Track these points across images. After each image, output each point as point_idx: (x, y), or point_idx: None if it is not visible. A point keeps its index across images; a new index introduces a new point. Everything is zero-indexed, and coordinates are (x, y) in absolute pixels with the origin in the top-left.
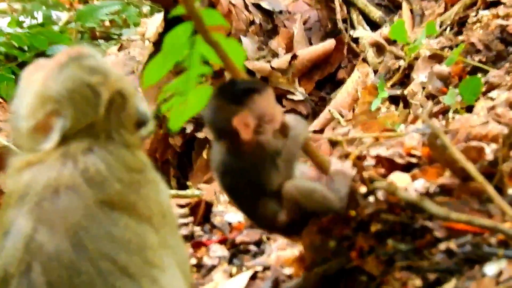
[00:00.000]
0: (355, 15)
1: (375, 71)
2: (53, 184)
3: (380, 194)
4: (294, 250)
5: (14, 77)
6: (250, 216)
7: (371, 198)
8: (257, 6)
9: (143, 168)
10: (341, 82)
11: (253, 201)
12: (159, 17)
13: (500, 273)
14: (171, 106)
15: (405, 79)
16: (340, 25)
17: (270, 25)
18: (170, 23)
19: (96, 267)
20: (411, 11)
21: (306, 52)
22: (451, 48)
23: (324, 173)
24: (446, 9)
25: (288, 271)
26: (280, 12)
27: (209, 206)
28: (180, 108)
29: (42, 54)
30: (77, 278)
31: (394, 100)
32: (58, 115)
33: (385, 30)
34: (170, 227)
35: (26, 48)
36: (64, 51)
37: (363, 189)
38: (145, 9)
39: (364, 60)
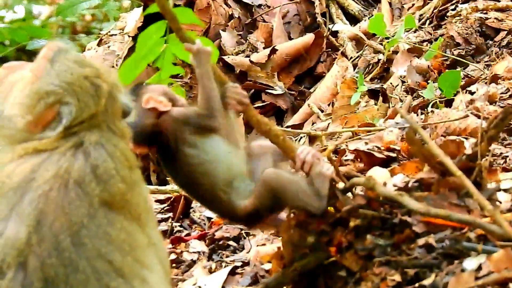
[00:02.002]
0: (334, 9)
1: (354, 65)
2: (63, 176)
3: (359, 189)
4: (273, 245)
5: None
6: (211, 208)
7: (349, 194)
8: (236, 0)
9: (137, 166)
10: (320, 76)
11: (210, 194)
12: (138, 12)
13: (479, 268)
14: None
15: (384, 73)
16: (319, 19)
17: (249, 19)
18: (149, 18)
19: (93, 266)
20: (390, 4)
21: (285, 46)
22: (430, 41)
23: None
24: (425, 3)
25: (267, 266)
26: (259, 6)
27: (188, 201)
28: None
29: (23, 48)
30: (73, 276)
31: (373, 94)
32: (62, 104)
33: (364, 24)
34: (152, 223)
35: (7, 42)
36: (45, 48)
37: (341, 185)
38: (126, 3)
39: (343, 54)
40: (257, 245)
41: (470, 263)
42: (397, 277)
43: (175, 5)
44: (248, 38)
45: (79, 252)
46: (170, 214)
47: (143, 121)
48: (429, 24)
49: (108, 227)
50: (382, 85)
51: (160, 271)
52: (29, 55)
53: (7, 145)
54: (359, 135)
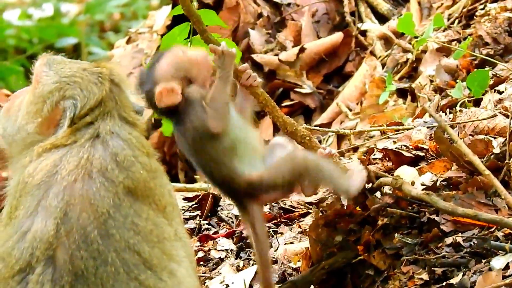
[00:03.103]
0: (363, 8)
1: (383, 65)
2: (85, 166)
3: (387, 188)
4: (301, 244)
5: (23, 69)
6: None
7: (378, 193)
8: None
9: (154, 154)
10: (348, 75)
11: (213, 160)
12: (167, 10)
13: (507, 267)
14: None
15: (413, 72)
16: (348, 18)
17: (278, 17)
18: (178, 16)
19: (122, 258)
20: (419, 3)
21: (314, 45)
22: (459, 41)
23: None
24: (454, 2)
25: (294, 264)
26: (288, 4)
27: (216, 199)
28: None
29: (51, 46)
30: (103, 269)
31: (402, 93)
32: (66, 99)
33: (393, 23)
34: (179, 218)
35: (35, 40)
36: (38, 61)
37: (369, 184)
38: (154, 1)
39: (372, 53)
40: (285, 243)
41: (497, 262)
42: (425, 276)
43: (204, 4)
44: (277, 36)
45: (107, 243)
46: (198, 212)
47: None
48: (458, 23)
49: (135, 217)
50: (410, 85)
51: (187, 265)
52: (58, 53)
53: (23, 151)
54: (387, 134)
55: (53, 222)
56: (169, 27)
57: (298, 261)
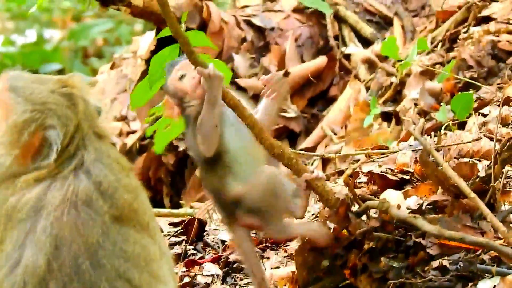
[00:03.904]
0: (346, 32)
1: (367, 88)
2: (71, 199)
3: (373, 212)
4: (287, 269)
5: None
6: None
7: (363, 216)
8: (249, 23)
9: (130, 167)
10: (333, 99)
11: (209, 167)
12: (151, 35)
13: None
14: (156, 129)
15: (397, 96)
16: (332, 41)
17: (262, 42)
18: (162, 41)
19: (113, 287)
20: (403, 27)
21: (298, 69)
22: (442, 64)
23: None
24: (437, 25)
25: None
26: (272, 29)
27: (202, 224)
28: (164, 131)
29: (35, 72)
30: None
31: (386, 116)
32: (46, 129)
33: (376, 47)
34: (158, 231)
35: (19, 67)
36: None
37: (355, 207)
38: (138, 27)
39: (356, 77)
40: (271, 268)
41: (484, 285)
42: None
43: (188, 29)
44: (261, 61)
45: (99, 274)
46: (184, 237)
47: None
48: (441, 46)
49: (123, 244)
50: (395, 108)
51: (171, 283)
52: None
53: (3, 184)
54: (373, 157)
55: (44, 257)
56: (154, 52)
57: (284, 285)
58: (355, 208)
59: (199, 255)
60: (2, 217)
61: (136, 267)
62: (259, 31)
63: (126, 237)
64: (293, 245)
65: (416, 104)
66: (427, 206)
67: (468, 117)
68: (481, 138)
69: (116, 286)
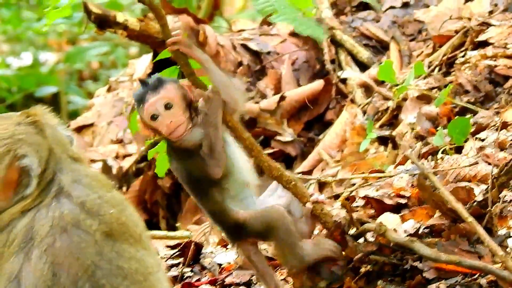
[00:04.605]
0: (343, 56)
1: (364, 112)
2: (59, 224)
3: (370, 235)
4: None
5: None
6: (205, 209)
7: (361, 240)
8: (245, 47)
9: (112, 184)
10: (329, 123)
11: (204, 193)
12: (147, 58)
13: None
14: (158, 151)
15: (393, 120)
16: (328, 65)
17: (258, 66)
18: (158, 64)
19: None
20: (399, 51)
21: (294, 93)
22: (439, 88)
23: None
24: (434, 50)
25: None
26: (268, 53)
27: (198, 247)
28: (166, 154)
29: (30, 95)
30: None
31: (382, 141)
32: (20, 159)
33: (373, 71)
34: (150, 241)
35: (14, 89)
36: None
37: (352, 231)
38: (134, 50)
39: (352, 101)
40: None
41: None
42: None
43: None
44: (257, 84)
45: None
46: (181, 260)
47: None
48: (438, 71)
49: (119, 261)
50: (391, 132)
51: None
52: (37, 101)
53: None
54: (369, 181)
55: (43, 285)
56: (150, 75)
57: None
58: (353, 231)
59: (196, 277)
60: None
61: (135, 284)
62: (256, 55)
63: (121, 253)
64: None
65: (412, 129)
66: (424, 230)
67: (465, 142)
68: (478, 163)
69: None
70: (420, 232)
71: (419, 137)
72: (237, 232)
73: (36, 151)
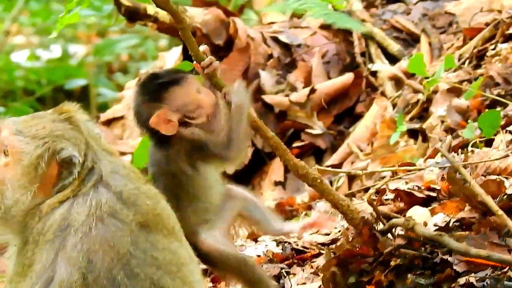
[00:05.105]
0: (373, 49)
1: (394, 105)
2: (96, 213)
3: (399, 229)
4: (314, 284)
5: (32, 111)
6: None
7: (390, 235)
8: (276, 40)
9: (145, 177)
10: (359, 116)
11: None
12: (177, 51)
13: None
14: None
15: (423, 113)
16: (359, 58)
17: (288, 58)
18: (188, 57)
19: None
20: (430, 44)
21: (325, 86)
22: (469, 81)
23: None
24: (464, 42)
25: None
26: (299, 45)
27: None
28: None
29: (59, 88)
30: None
31: (413, 134)
32: (59, 152)
33: (403, 64)
34: (182, 234)
35: (43, 82)
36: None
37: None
38: (163, 42)
39: (383, 94)
40: (298, 284)
41: None
42: None
43: (214, 45)
44: (287, 77)
45: (134, 284)
46: None
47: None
48: (468, 63)
49: (153, 251)
50: (421, 125)
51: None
52: (66, 94)
53: (27, 216)
54: (399, 174)
55: (78, 272)
56: None
57: None
58: (380, 226)
59: None
60: (30, 245)
61: (169, 274)
62: (286, 47)
63: (155, 243)
64: (320, 261)
65: (442, 121)
66: (454, 223)
67: (495, 135)
68: (509, 156)
69: None
70: (450, 225)
71: (449, 130)
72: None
73: (74, 144)
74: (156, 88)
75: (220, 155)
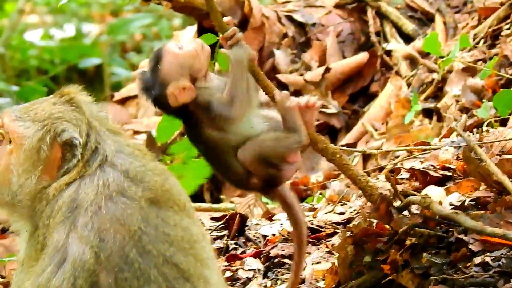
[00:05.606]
0: (388, 28)
1: (408, 84)
2: (104, 192)
3: (415, 208)
4: (329, 263)
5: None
6: (227, 179)
7: (405, 212)
8: (290, 19)
9: (153, 155)
10: (374, 95)
11: (224, 163)
12: (192, 30)
13: None
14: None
15: (438, 92)
16: (373, 38)
17: (303, 37)
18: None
19: (163, 274)
20: (445, 23)
21: (339, 65)
22: (484, 61)
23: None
24: (479, 22)
25: (322, 284)
26: (313, 25)
27: (243, 219)
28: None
29: (73, 67)
30: (147, 287)
31: (427, 113)
32: (60, 135)
33: (418, 43)
34: (194, 211)
35: (57, 61)
36: (3, 118)
37: (397, 203)
38: (177, 22)
39: (397, 73)
40: (312, 263)
41: None
42: None
43: None
44: (302, 56)
45: (147, 261)
46: (225, 232)
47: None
48: (483, 43)
49: (165, 227)
50: (436, 105)
51: (215, 266)
52: (80, 73)
53: (35, 201)
54: (414, 154)
55: (91, 251)
56: None
57: (322, 279)
58: (397, 203)
59: (241, 249)
60: (41, 229)
61: (181, 251)
62: (300, 26)
63: (166, 220)
64: (335, 240)
65: (457, 101)
66: (470, 202)
67: (510, 114)
68: None
69: (165, 272)
70: (465, 204)
71: (464, 110)
72: (272, 183)
73: (75, 125)
74: (150, 81)
75: (224, 113)
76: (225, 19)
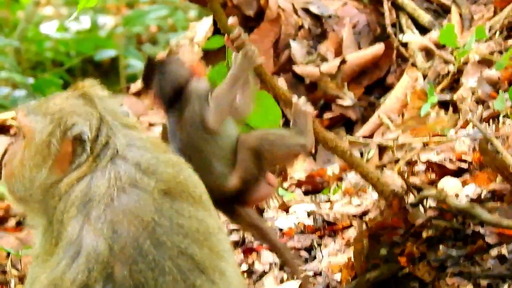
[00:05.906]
0: (404, 19)
1: (424, 76)
2: (116, 184)
3: (431, 200)
4: (345, 256)
5: (62, 82)
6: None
7: (421, 206)
8: (306, 11)
9: (169, 147)
10: (390, 87)
11: (204, 165)
12: (208, 21)
13: None
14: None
15: (454, 84)
16: (389, 29)
17: (319, 29)
18: (219, 28)
19: (177, 265)
20: (460, 15)
21: (355, 56)
22: (500, 52)
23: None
24: (495, 13)
25: (339, 276)
26: (329, 16)
27: (260, 211)
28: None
29: (89, 59)
30: (162, 279)
31: (443, 105)
32: (70, 129)
33: (434, 35)
34: (211, 203)
35: (72, 53)
36: (17, 116)
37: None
38: (193, 13)
39: (413, 65)
40: (329, 255)
41: None
42: None
43: (245, 16)
44: (318, 48)
45: (161, 252)
46: None
47: (175, 76)
48: (499, 34)
49: (179, 219)
50: (452, 96)
51: (232, 259)
52: (96, 65)
53: (47, 196)
54: (430, 145)
55: (104, 242)
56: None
57: (339, 271)
58: (411, 198)
59: (257, 242)
60: (55, 225)
61: (196, 242)
62: (316, 18)
63: (180, 211)
64: (351, 233)
65: (473, 93)
66: (486, 194)
67: None
68: None
69: (179, 263)
70: (482, 196)
71: (480, 101)
72: (238, 198)
73: (85, 119)
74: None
75: (202, 116)
76: (230, 20)
